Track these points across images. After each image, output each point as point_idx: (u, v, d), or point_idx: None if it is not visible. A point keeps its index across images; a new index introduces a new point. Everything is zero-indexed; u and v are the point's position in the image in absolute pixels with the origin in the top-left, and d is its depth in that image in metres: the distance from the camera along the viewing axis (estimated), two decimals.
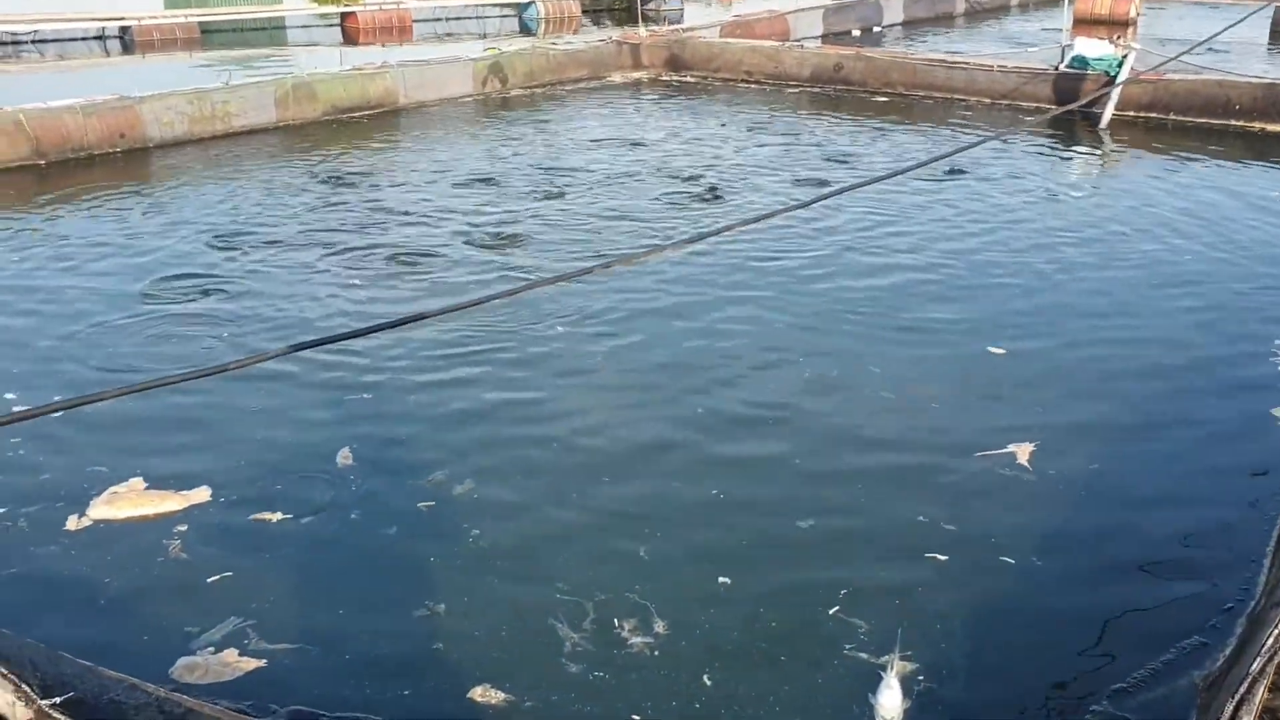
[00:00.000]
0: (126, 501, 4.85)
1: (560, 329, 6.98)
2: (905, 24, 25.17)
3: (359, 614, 4.24)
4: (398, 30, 24.46)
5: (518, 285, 7.04)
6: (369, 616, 4.22)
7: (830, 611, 4.21)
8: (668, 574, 4.46)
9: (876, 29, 23.98)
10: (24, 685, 3.11)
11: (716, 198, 10.15)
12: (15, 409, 5.75)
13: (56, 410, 4.85)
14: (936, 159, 9.82)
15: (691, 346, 6.77)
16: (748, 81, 17.30)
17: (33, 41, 21.32)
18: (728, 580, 4.41)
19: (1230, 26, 15.82)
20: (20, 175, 10.95)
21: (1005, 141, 12.55)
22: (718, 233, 8.08)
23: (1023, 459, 5.36)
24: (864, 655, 3.95)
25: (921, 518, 4.88)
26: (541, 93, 16.41)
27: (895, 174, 9.07)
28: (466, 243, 8.75)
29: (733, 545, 4.70)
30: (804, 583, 4.43)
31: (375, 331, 5.98)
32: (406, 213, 9.58)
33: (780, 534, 4.76)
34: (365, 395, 6.03)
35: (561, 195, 10.22)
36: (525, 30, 25.82)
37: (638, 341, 6.83)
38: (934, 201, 10.04)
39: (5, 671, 3.14)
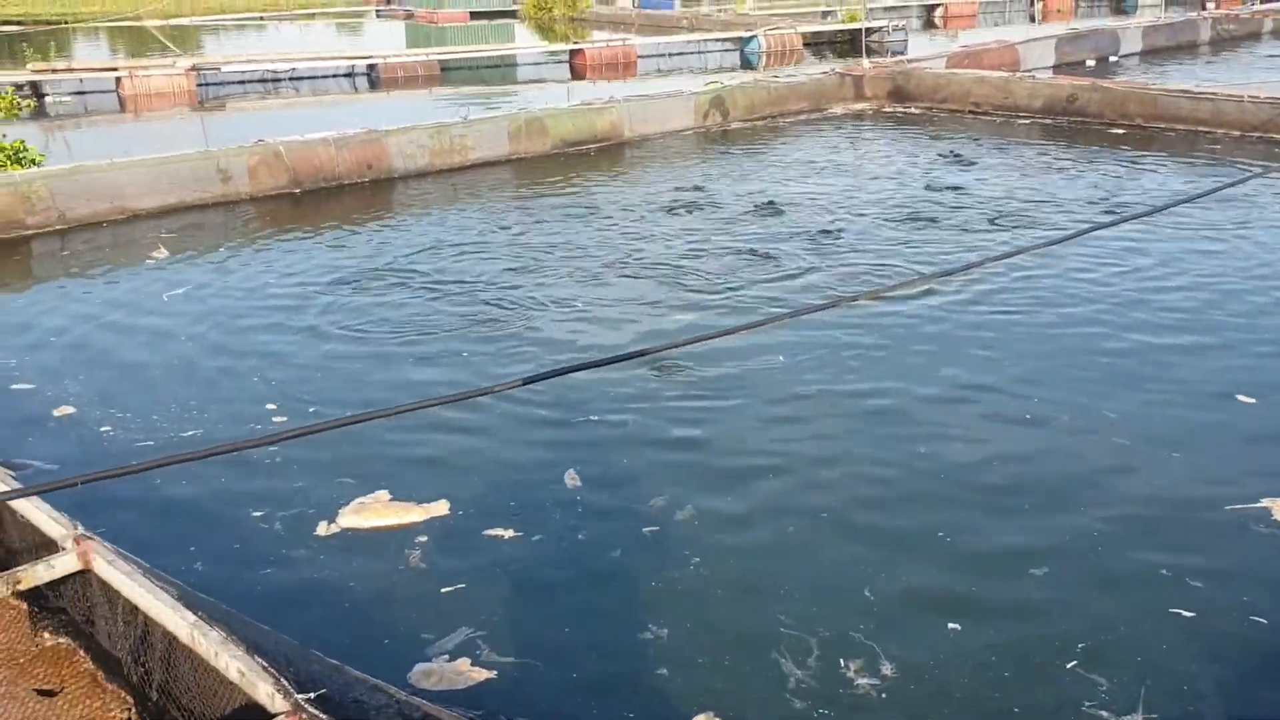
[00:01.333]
0: (372, 512, 5.14)
1: (781, 360, 6.98)
2: (1144, 53, 24.01)
3: (584, 632, 4.35)
4: (623, 66, 25.11)
5: (751, 321, 7.07)
6: (594, 635, 4.33)
7: (1068, 666, 4.03)
8: (894, 615, 4.38)
9: (1112, 59, 22.97)
10: (283, 679, 3.32)
11: (964, 230, 9.93)
12: (276, 421, 6.23)
13: (322, 430, 5.19)
14: (1193, 198, 9.29)
15: (919, 383, 6.63)
16: (975, 113, 16.88)
17: (290, 79, 23.04)
18: (957, 626, 4.28)
19: None
20: (278, 202, 11.83)
21: (1264, 178, 11.76)
22: (965, 269, 7.89)
23: (1278, 514, 5.00)
24: (1105, 714, 3.76)
25: (1165, 571, 4.62)
26: (762, 125, 16.50)
27: (1151, 212, 8.64)
28: (698, 273, 8.87)
29: (962, 590, 4.56)
30: (1038, 634, 4.26)
31: (603, 365, 6.15)
32: (640, 237, 9.80)
33: (1012, 581, 4.60)
34: (592, 418, 6.19)
35: (787, 221, 10.23)
36: (746, 64, 26.04)
37: (863, 379, 6.74)
38: (1183, 239, 9.50)
39: (266, 665, 3.37)
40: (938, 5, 37.78)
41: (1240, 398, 6.30)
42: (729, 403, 6.40)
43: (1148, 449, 5.72)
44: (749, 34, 27.22)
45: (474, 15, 38.59)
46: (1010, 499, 5.28)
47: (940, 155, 13.65)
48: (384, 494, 5.31)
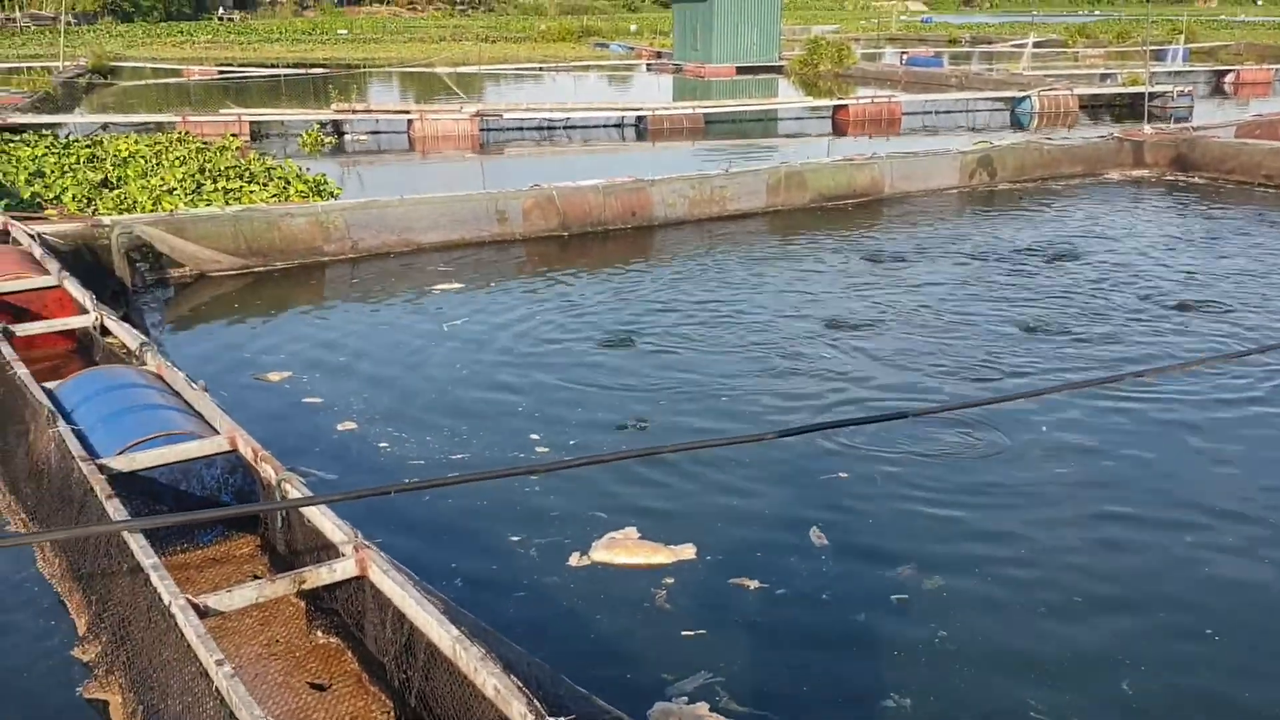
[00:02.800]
0: (623, 549, 5.29)
1: (1045, 430, 6.73)
2: None
3: (824, 691, 4.32)
4: (886, 122, 24.94)
5: (1007, 393, 6.87)
6: (833, 695, 4.29)
7: None
8: (1155, 706, 4.13)
9: None
10: (535, 701, 3.45)
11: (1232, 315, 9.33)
12: (539, 451, 6.51)
13: (580, 465, 5.40)
14: None
15: (1200, 467, 6.25)
16: (1267, 186, 15.77)
17: (564, 127, 24.16)
18: None
19: None
20: (548, 243, 12.42)
21: None
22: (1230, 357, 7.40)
23: None
24: None
25: None
26: (1032, 187, 15.99)
27: None
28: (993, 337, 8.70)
29: (1225, 689, 4.25)
30: None
31: (859, 424, 6.12)
32: (927, 298, 9.71)
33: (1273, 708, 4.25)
34: (842, 475, 6.16)
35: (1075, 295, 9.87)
36: (1016, 124, 25.33)
37: (1117, 463, 6.42)
38: None
39: (520, 684, 3.51)
40: (1229, 71, 35.59)
41: None
42: (991, 476, 6.21)
43: None
44: (1022, 94, 26.48)
45: (740, 70, 39.28)
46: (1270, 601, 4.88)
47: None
48: (633, 531, 5.46)
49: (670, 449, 5.36)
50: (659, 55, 48.40)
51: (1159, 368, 7.77)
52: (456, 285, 10.53)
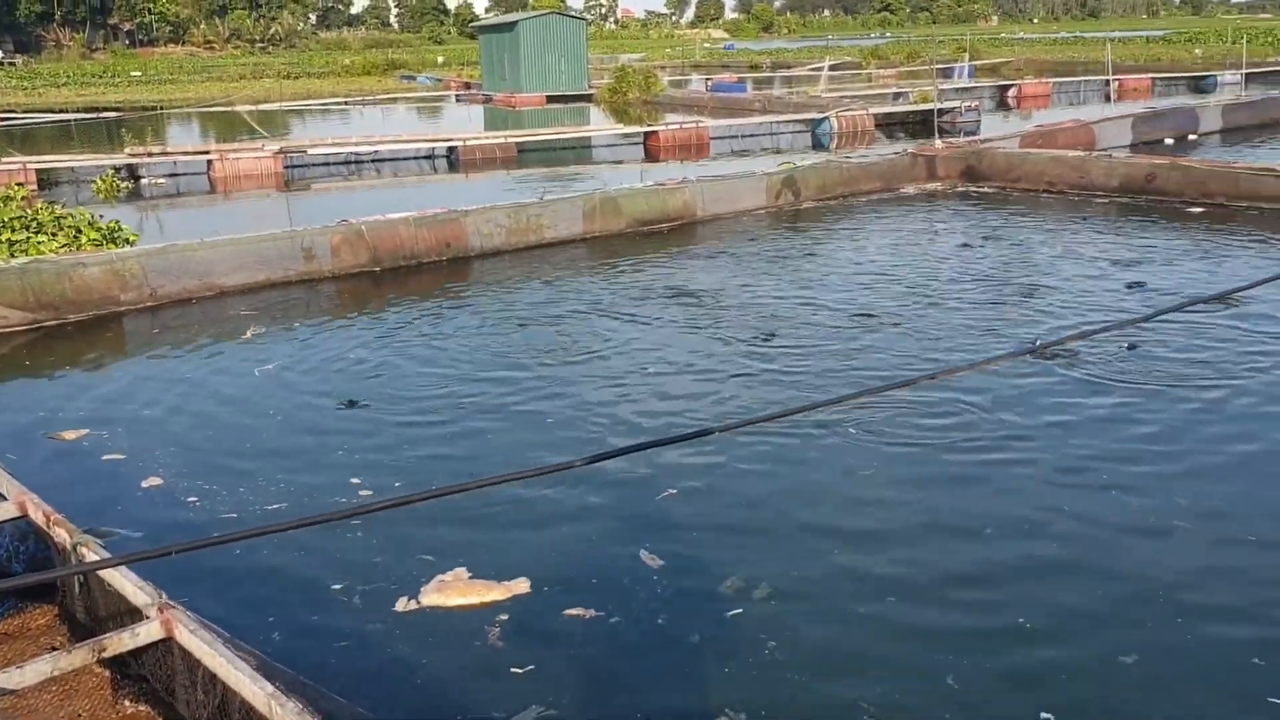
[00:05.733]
0: (454, 590, 5.16)
1: (853, 432, 6.93)
2: (1224, 131, 23.77)
3: (654, 715, 4.29)
4: (696, 147, 25.48)
5: (827, 398, 7.05)
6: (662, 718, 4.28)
7: None
8: (980, 700, 4.27)
9: (1192, 137, 22.78)
10: None
11: (1034, 307, 9.86)
12: (360, 495, 6.31)
13: (402, 504, 5.25)
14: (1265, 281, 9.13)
15: (996, 466, 6.54)
16: (1050, 192, 16.80)
17: (373, 161, 23.74)
18: (1050, 716, 4.16)
19: None
20: (359, 279, 12.13)
21: None
22: (1053, 344, 7.80)
23: None
24: None
25: (1258, 660, 4.46)
26: (835, 204, 16.58)
27: (1235, 290, 8.49)
28: (763, 347, 8.88)
29: (1051, 676, 4.44)
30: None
31: (670, 443, 6.16)
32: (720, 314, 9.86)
33: (1105, 668, 4.46)
34: (670, 492, 6.19)
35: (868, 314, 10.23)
36: (818, 145, 26.25)
37: (947, 463, 6.67)
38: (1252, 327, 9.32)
39: None
40: (1011, 85, 37.86)
41: None
42: (807, 481, 6.36)
43: (1244, 537, 5.55)
44: (821, 115, 27.48)
45: (550, 99, 39.51)
46: (1088, 588, 5.14)
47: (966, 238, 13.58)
48: (464, 571, 5.33)
49: (481, 483, 5.28)
50: (468, 86, 48.26)
51: (951, 368, 8.11)
52: (264, 328, 10.16)
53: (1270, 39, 63.59)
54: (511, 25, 40.91)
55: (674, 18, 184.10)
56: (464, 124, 33.23)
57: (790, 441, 6.90)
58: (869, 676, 4.47)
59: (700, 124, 26.83)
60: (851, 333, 9.35)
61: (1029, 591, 5.10)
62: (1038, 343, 8.44)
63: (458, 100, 44.72)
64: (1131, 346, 8.49)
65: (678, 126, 26.44)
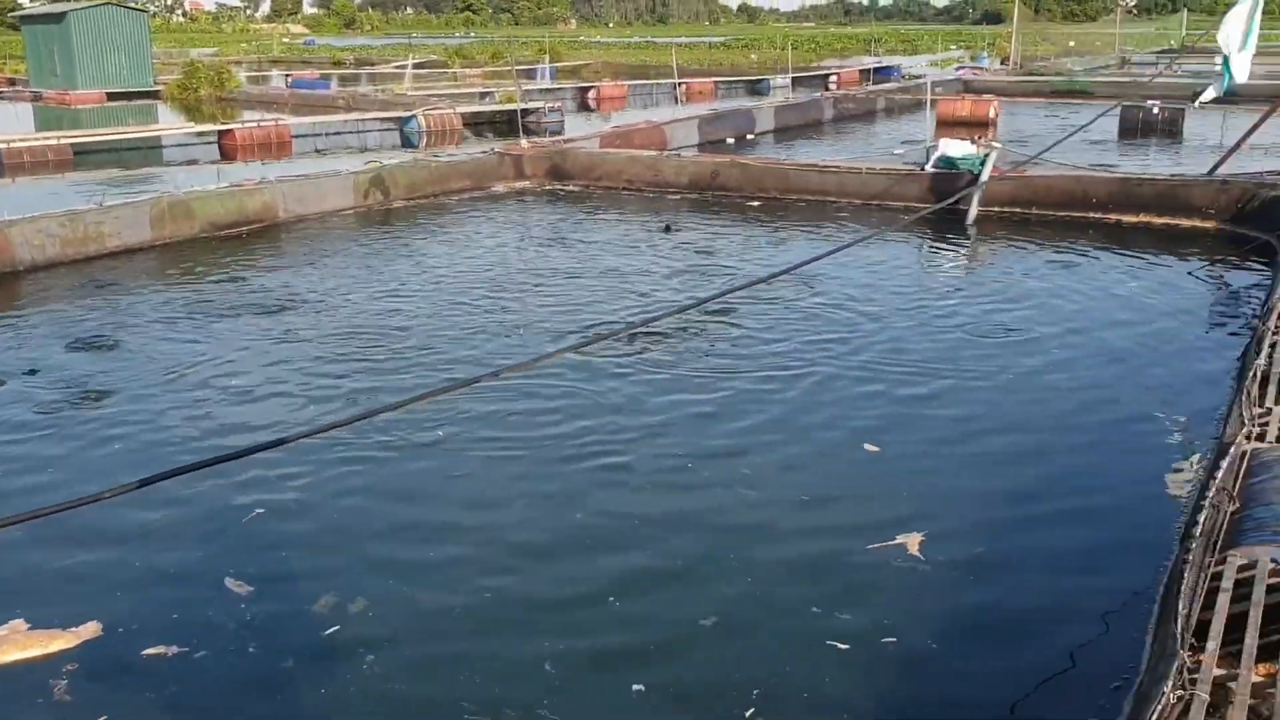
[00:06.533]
0: (11, 644, 4.61)
1: (441, 433, 6.97)
2: (777, 131, 26.11)
3: None
4: (277, 146, 24.41)
5: (406, 398, 6.99)
6: None
7: (747, 714, 4.22)
8: (578, 685, 4.43)
9: (750, 136, 24.82)
10: None
11: (593, 301, 10.31)
12: None
13: None
14: (810, 260, 10.12)
15: (573, 446, 6.81)
16: (629, 189, 17.70)
17: None
18: (641, 687, 4.39)
19: (1084, 127, 16.87)
20: None
21: (879, 240, 13.04)
22: (599, 340, 8.16)
23: (913, 549, 5.49)
24: None
25: (816, 609, 4.96)
26: (426, 203, 16.52)
27: (771, 276, 9.33)
28: (336, 357, 8.69)
29: (640, 649, 4.69)
30: (717, 682, 4.45)
31: (245, 455, 5.88)
32: (289, 328, 9.49)
33: (687, 634, 4.77)
34: (258, 512, 5.91)
35: (453, 301, 10.26)
36: (407, 143, 26.02)
37: (520, 447, 6.84)
38: (804, 302, 10.32)
39: None
40: (592, 87, 39.46)
41: (867, 447, 6.88)
42: (393, 487, 6.30)
43: (791, 501, 6.13)
44: (408, 114, 27.26)
45: (111, 96, 36.35)
46: (670, 557, 5.48)
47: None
48: (21, 623, 4.79)
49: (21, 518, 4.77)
50: (12, 82, 43.32)
51: (519, 364, 8.36)
52: None
53: (813, 46, 70.75)
54: (60, 16, 37.11)
55: (248, 11, 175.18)
56: (10, 124, 29.77)
57: (375, 451, 6.79)
58: (472, 675, 4.50)
59: (281, 122, 25.75)
60: (438, 333, 9.37)
61: (613, 571, 5.35)
62: (633, 329, 8.86)
63: (1, 98, 40.01)
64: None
65: (256, 125, 25.20)
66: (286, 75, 46.58)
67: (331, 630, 4.82)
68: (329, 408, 7.51)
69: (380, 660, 4.60)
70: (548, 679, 4.46)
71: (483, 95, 34.59)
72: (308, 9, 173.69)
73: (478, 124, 28.37)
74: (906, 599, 5.09)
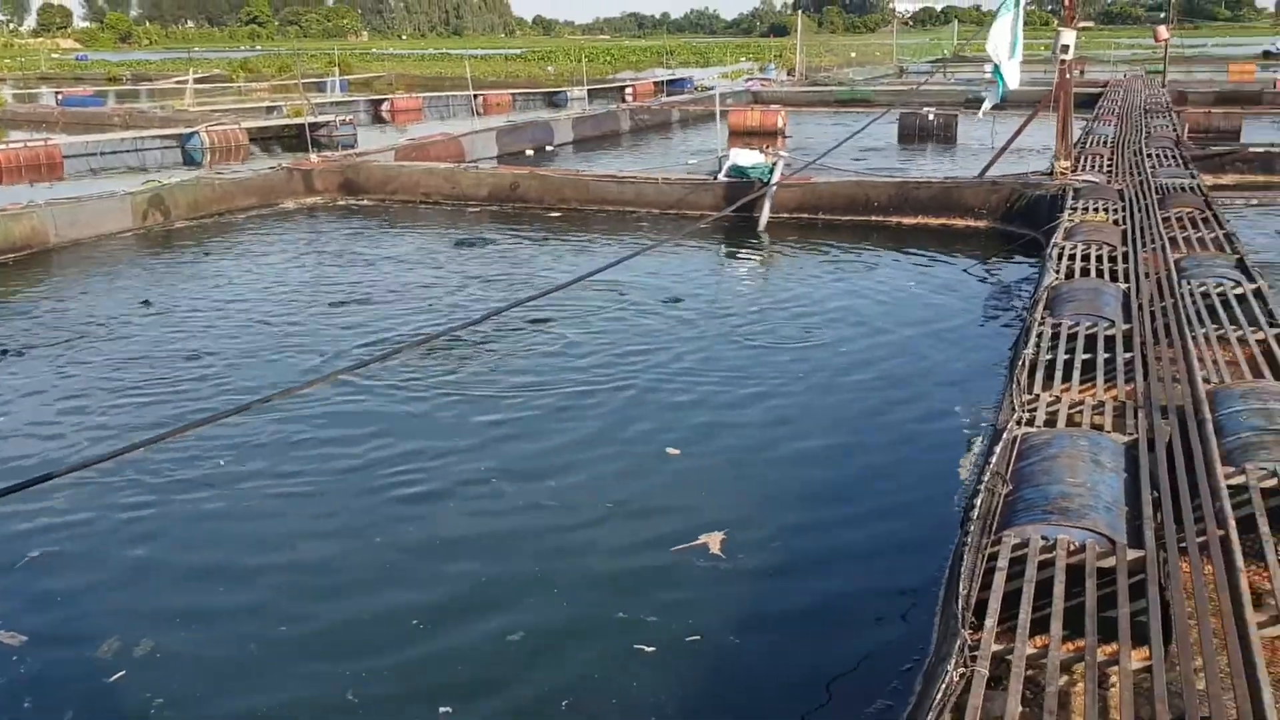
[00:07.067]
0: None
1: (223, 461, 6.69)
2: (576, 142, 26.28)
3: None
4: (46, 167, 22.94)
5: (174, 427, 6.67)
6: None
7: None
8: (382, 713, 4.31)
9: (549, 148, 24.90)
10: None
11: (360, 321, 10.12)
12: None
13: None
14: (606, 266, 10.21)
15: (351, 469, 6.68)
16: (426, 203, 17.46)
17: None
18: (449, 709, 4.31)
19: (857, 133, 17.60)
20: None
21: (681, 250, 13.29)
22: (383, 358, 8.01)
23: (715, 548, 5.60)
24: None
25: (623, 614, 4.99)
26: (210, 223, 15.85)
27: (570, 283, 9.37)
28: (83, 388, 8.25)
29: (446, 672, 4.61)
30: (526, 697, 4.41)
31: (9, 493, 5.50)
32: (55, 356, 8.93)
33: (493, 652, 4.72)
34: (32, 555, 5.52)
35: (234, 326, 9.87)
36: (189, 161, 24.92)
37: (312, 473, 6.65)
38: (601, 309, 10.40)
39: None
40: (385, 100, 38.74)
41: (669, 451, 6.99)
42: (163, 523, 6.03)
43: (596, 513, 6.15)
44: (190, 130, 26.11)
45: None
46: (471, 580, 5.42)
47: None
48: None
49: None
50: None
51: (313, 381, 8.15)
52: None
53: (608, 58, 71.57)
54: None
55: (11, 25, 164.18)
56: None
57: (152, 486, 6.46)
58: (267, 708, 4.32)
59: (50, 141, 24.21)
60: (224, 358, 9.00)
61: (415, 598, 5.24)
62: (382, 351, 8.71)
63: None
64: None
65: (23, 145, 23.61)
66: (57, 93, 43.93)
67: (117, 676, 4.55)
68: (106, 441, 7.09)
69: (170, 705, 4.36)
70: (350, 710, 4.33)
71: (270, 109, 33.46)
72: (79, 23, 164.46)
73: (265, 139, 27.43)
74: (710, 598, 5.18)
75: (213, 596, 5.24)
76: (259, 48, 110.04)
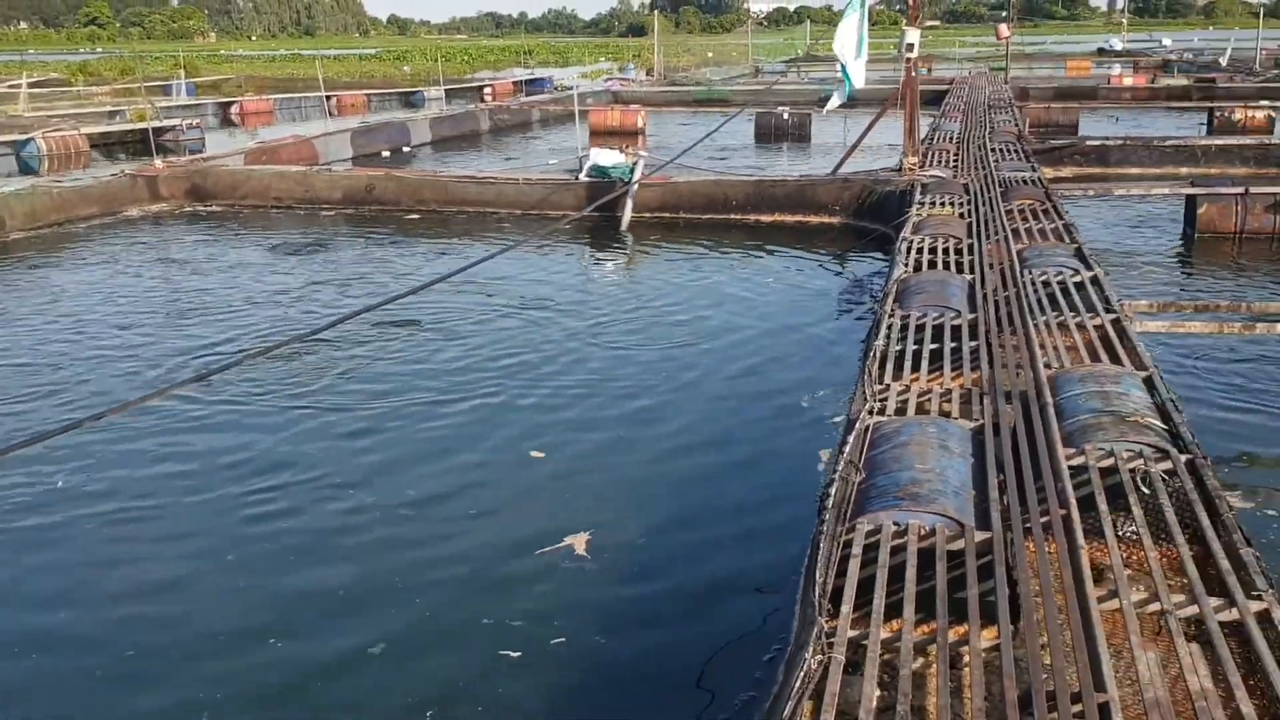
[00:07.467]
0: None
1: (61, 484, 6.41)
2: (434, 143, 25.93)
3: None
4: None
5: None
6: None
7: None
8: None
9: (406, 149, 24.50)
10: None
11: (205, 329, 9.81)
12: None
13: None
14: (466, 267, 10.09)
15: (197, 486, 6.48)
16: (278, 207, 16.98)
17: None
18: None
19: (712, 133, 17.82)
20: None
21: (547, 252, 13.22)
22: (225, 368, 7.76)
23: (580, 549, 5.58)
24: None
25: (488, 620, 4.93)
26: (49, 234, 15.10)
27: (427, 285, 9.21)
28: None
29: (306, 687, 4.49)
30: (389, 708, 4.32)
31: None
32: None
33: (355, 664, 4.61)
34: None
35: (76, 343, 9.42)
36: (25, 169, 23.70)
37: (141, 493, 6.41)
38: (464, 312, 10.30)
39: None
40: (234, 102, 37.59)
41: (533, 454, 6.94)
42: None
43: (460, 520, 6.07)
44: (25, 136, 24.84)
45: None
46: (329, 597, 5.29)
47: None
48: None
49: None
50: None
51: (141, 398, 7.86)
52: None
53: (466, 58, 70.88)
54: None
55: None
56: None
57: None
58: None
59: None
60: (63, 374, 8.59)
61: (271, 615, 5.10)
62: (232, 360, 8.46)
63: None
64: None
65: None
66: None
67: None
68: None
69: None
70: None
71: (112, 114, 32.09)
72: None
73: (108, 145, 26.33)
74: (576, 599, 5.16)
75: (52, 623, 4.98)
76: (99, 50, 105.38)
